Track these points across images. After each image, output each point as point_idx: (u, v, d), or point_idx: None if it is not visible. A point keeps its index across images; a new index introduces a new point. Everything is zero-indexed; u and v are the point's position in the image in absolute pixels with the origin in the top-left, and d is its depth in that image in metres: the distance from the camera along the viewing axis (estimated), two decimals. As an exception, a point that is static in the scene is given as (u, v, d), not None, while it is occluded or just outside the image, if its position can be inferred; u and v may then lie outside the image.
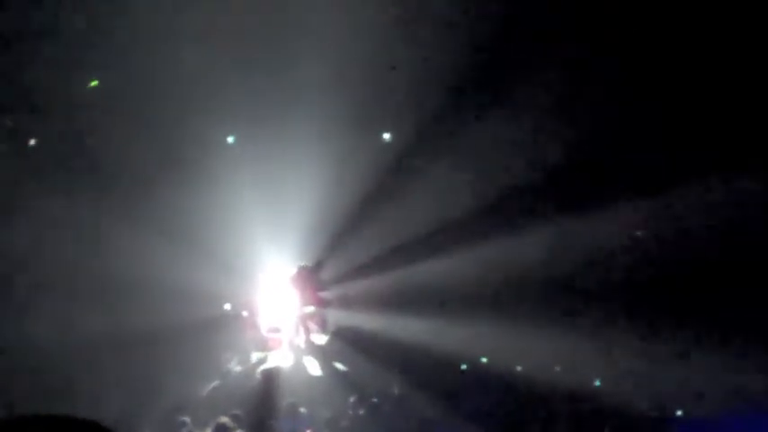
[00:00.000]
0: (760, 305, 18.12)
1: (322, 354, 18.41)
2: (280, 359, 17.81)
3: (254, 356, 18.06)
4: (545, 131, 18.63)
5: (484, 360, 20.06)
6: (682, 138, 17.55)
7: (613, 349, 19.25)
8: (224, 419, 13.35)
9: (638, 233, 20.00)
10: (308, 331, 18.50)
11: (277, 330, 18.47)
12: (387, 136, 19.99)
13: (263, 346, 18.26)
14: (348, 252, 19.42)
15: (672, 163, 17.95)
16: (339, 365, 18.31)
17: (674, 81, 16.89)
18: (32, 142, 17.67)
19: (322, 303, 18.81)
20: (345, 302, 19.31)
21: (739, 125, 17.07)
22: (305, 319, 18.57)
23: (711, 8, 15.79)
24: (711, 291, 18.58)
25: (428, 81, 17.73)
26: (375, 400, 16.85)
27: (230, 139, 19.55)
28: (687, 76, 16.72)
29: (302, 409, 15.49)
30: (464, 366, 19.61)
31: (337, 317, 19.24)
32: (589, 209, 18.34)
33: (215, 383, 17.39)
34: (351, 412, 16.16)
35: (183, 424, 14.51)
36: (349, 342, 18.96)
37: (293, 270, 18.67)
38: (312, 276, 18.91)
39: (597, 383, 19.97)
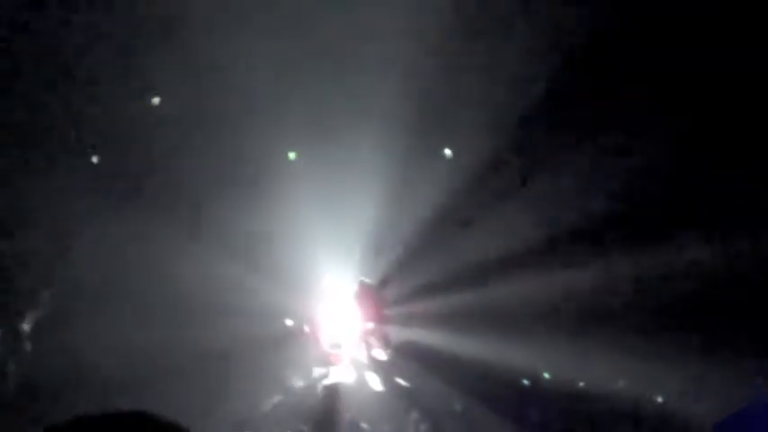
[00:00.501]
0: None
1: (383, 369, 18.40)
2: (341, 375, 17.84)
3: (316, 372, 18.12)
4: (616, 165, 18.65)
5: (546, 376, 19.89)
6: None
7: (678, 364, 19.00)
8: (286, 435, 13.40)
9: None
10: (369, 347, 18.52)
11: (339, 346, 18.50)
12: (448, 152, 19.93)
13: (325, 361, 18.31)
14: (411, 269, 19.39)
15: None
16: (401, 381, 18.27)
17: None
18: (95, 160, 17.89)
19: (384, 319, 18.81)
20: (408, 319, 19.29)
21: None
22: (367, 334, 18.59)
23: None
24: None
25: (503, 100, 17.71)
26: (437, 416, 16.82)
27: (292, 155, 19.62)
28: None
29: (364, 425, 15.51)
30: (526, 382, 19.46)
31: (399, 333, 19.21)
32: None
33: (277, 399, 17.45)
34: (412, 428, 16.14)
35: (247, 440, 14.60)
36: (411, 358, 18.91)
37: (355, 286, 18.70)
38: (374, 292, 18.93)
39: (660, 399, 19.71)
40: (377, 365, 18.44)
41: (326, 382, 17.16)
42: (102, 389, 16.45)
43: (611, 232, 19.14)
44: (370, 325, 18.59)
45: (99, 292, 17.19)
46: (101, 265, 17.28)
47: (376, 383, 17.98)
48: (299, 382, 18.00)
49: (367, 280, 18.83)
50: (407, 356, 18.98)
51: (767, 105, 16.65)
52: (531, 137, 18.35)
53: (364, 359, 18.48)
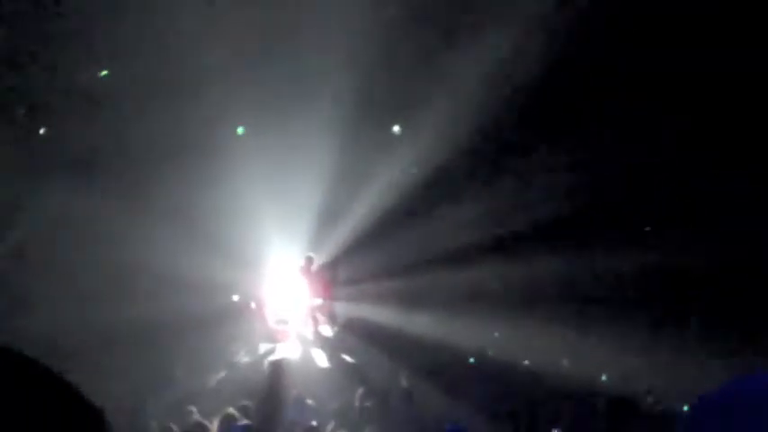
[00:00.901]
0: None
1: (330, 345, 18.39)
2: (287, 350, 17.81)
3: (262, 347, 18.06)
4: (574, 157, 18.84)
5: (491, 354, 20.03)
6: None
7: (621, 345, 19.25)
8: (231, 410, 13.28)
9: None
10: (316, 323, 18.50)
11: (285, 322, 18.46)
12: (397, 129, 19.95)
13: (271, 337, 18.26)
14: (357, 246, 19.41)
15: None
16: (347, 357, 18.28)
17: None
18: (39, 134, 17.64)
19: (331, 296, 18.80)
20: (354, 295, 19.30)
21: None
22: (313, 310, 18.56)
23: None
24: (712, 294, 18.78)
25: (442, 78, 17.78)
26: (383, 392, 16.83)
27: (240, 130, 19.51)
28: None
29: (309, 401, 15.43)
30: (472, 360, 19.58)
31: (347, 309, 19.22)
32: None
33: (223, 374, 17.38)
34: (358, 404, 16.11)
35: (190, 414, 14.47)
36: (357, 334, 18.93)
37: (300, 261, 18.65)
38: (321, 268, 18.90)
39: (604, 378, 19.93)
40: (323, 341, 18.43)
41: (272, 357, 17.10)
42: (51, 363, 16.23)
43: (557, 222, 19.35)
44: (318, 301, 18.56)
45: (42, 264, 16.98)
46: (44, 236, 17.07)
47: (322, 360, 17.97)
48: (244, 358, 17.94)
49: (313, 255, 18.79)
50: (354, 333, 19.00)
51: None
52: (488, 118, 18.45)
53: (311, 335, 18.46)
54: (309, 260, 18.68)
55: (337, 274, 19.27)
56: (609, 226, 19.23)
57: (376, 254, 19.35)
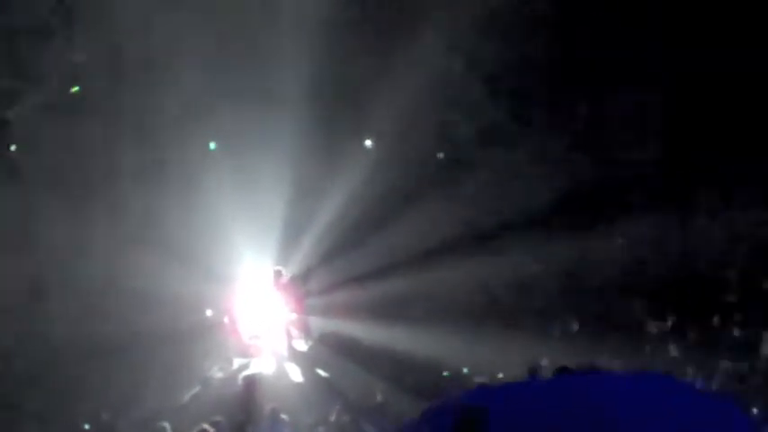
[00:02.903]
0: None
1: (304, 360, 18.27)
2: (261, 365, 17.68)
3: (236, 363, 17.92)
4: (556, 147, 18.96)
5: (465, 370, 19.96)
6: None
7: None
8: (205, 426, 13.20)
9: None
10: (290, 337, 18.38)
11: (258, 337, 18.33)
12: (368, 143, 19.97)
13: (245, 352, 18.12)
14: (332, 261, 19.36)
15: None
16: (321, 372, 18.16)
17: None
18: (12, 147, 17.54)
19: (304, 310, 18.69)
20: (328, 309, 19.20)
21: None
22: (287, 325, 18.44)
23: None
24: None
25: (417, 87, 17.85)
26: (358, 407, 16.76)
27: (212, 145, 19.47)
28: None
29: (284, 416, 15.33)
30: (446, 374, 19.50)
31: (320, 324, 19.12)
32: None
33: (196, 390, 17.22)
34: (333, 419, 16.04)
35: (163, 430, 14.34)
36: (332, 349, 18.83)
37: (270, 276, 18.54)
38: (294, 283, 18.80)
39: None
40: (297, 356, 18.31)
41: (246, 372, 16.98)
42: (15, 380, 16.12)
43: (536, 228, 19.38)
44: (291, 316, 18.45)
45: (11, 282, 16.82)
46: (12, 254, 16.93)
47: (296, 374, 17.86)
48: (218, 374, 17.79)
49: (282, 268, 18.69)
50: (328, 347, 18.90)
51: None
52: (456, 127, 18.53)
53: (284, 350, 18.34)
54: (278, 273, 18.58)
55: (308, 287, 19.19)
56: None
57: (347, 265, 19.32)
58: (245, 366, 17.54)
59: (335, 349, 18.79)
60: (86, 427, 15.80)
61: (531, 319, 19.79)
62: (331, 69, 17.87)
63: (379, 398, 17.27)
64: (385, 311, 19.05)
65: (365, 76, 18.16)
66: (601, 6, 17.53)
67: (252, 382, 16.15)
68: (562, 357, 18.36)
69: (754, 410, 13.61)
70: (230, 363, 18.03)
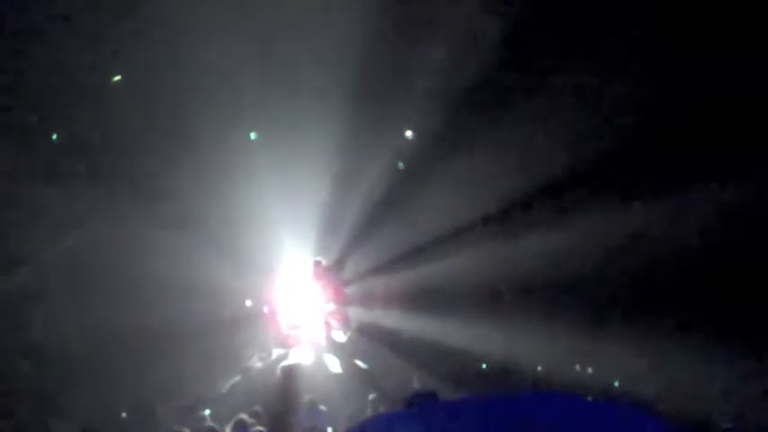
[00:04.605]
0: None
1: (342, 351, 18.36)
2: (300, 356, 17.80)
3: (275, 353, 18.06)
4: (558, 135, 18.69)
5: (504, 358, 19.92)
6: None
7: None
8: (243, 415, 13.31)
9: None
10: (329, 328, 18.47)
11: (297, 327, 18.45)
12: (409, 133, 19.94)
13: (284, 342, 18.25)
14: (370, 249, 19.38)
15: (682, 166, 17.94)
16: (359, 363, 18.24)
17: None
18: (53, 138, 17.71)
19: (344, 300, 18.77)
20: (367, 300, 19.26)
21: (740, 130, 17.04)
22: (326, 315, 18.54)
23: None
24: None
25: (448, 81, 17.78)
26: (396, 398, 16.78)
27: (252, 136, 19.53)
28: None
29: (322, 406, 15.41)
30: (484, 366, 19.50)
31: (359, 314, 19.18)
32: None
33: (235, 379, 17.39)
34: (370, 410, 16.08)
35: (203, 419, 14.51)
36: (370, 339, 18.89)
37: (310, 266, 18.63)
38: (334, 273, 18.88)
39: (617, 384, 19.81)
40: (336, 347, 18.41)
41: (285, 363, 17.09)
42: (63, 368, 16.36)
43: (575, 210, 19.15)
44: (330, 306, 18.55)
45: (61, 273, 17.06)
46: (63, 246, 17.16)
47: (335, 365, 17.95)
48: (257, 364, 17.95)
49: (321, 259, 18.78)
50: (366, 338, 18.96)
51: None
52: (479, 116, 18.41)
53: (323, 340, 18.44)
54: (318, 264, 18.67)
55: (346, 277, 19.26)
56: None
57: (388, 258, 19.33)
58: (284, 357, 17.67)
59: (374, 340, 18.85)
60: (124, 415, 16.04)
61: (571, 309, 19.64)
62: (372, 59, 17.81)
63: (416, 388, 17.30)
64: (422, 301, 19.04)
65: (404, 68, 18.14)
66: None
67: (290, 373, 16.23)
68: (611, 346, 18.40)
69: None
70: (269, 353, 18.18)
